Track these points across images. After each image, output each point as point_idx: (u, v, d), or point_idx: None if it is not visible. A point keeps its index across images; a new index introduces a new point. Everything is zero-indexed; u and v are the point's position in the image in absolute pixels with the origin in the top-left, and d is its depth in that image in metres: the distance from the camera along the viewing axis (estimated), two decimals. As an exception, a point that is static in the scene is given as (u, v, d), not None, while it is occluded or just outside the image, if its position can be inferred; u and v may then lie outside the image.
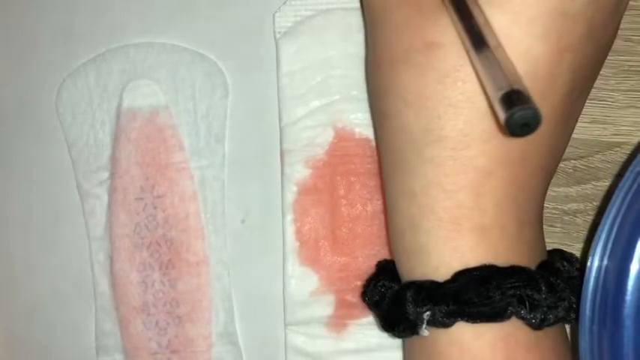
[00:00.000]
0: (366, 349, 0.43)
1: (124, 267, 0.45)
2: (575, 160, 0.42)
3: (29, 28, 0.48)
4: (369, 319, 0.43)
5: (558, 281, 0.35)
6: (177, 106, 0.45)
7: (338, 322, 0.43)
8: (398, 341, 0.43)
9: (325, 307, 0.43)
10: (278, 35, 0.44)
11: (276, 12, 0.44)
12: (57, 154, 0.47)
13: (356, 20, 0.43)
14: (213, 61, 0.45)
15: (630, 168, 0.37)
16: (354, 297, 0.43)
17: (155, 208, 0.45)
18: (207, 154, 0.45)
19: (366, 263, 0.43)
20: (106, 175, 0.46)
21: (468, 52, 0.32)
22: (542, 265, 0.36)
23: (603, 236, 0.37)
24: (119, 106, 0.45)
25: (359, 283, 0.43)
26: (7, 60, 0.48)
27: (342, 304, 0.43)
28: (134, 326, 0.45)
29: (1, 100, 0.48)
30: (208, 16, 0.46)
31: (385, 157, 0.37)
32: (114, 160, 0.45)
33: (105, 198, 0.46)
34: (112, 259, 0.45)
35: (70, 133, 0.46)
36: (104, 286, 0.46)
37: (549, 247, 0.42)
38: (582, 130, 0.42)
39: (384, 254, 0.43)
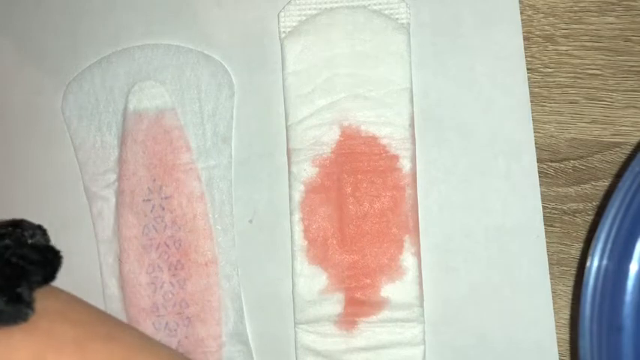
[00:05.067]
0: (376, 347, 0.43)
1: (132, 269, 0.45)
2: (574, 160, 0.42)
3: (34, 32, 0.48)
4: (379, 317, 0.43)
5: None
6: (184, 107, 0.45)
7: (348, 320, 0.43)
8: (409, 339, 0.43)
9: (335, 305, 0.43)
10: (283, 35, 0.44)
11: (280, 12, 0.45)
12: (64, 158, 0.47)
13: (361, 18, 0.43)
14: (218, 61, 0.45)
15: (629, 168, 0.37)
16: (363, 295, 0.43)
17: (163, 209, 0.45)
18: (214, 155, 0.45)
19: (374, 261, 0.43)
20: (113, 177, 0.45)
21: None
22: None
23: (602, 236, 0.37)
24: (125, 108, 0.45)
25: (368, 281, 0.43)
26: (13, 64, 0.48)
27: (351, 302, 0.43)
28: (144, 328, 0.45)
29: (8, 104, 0.48)
30: (213, 17, 0.46)
31: None
32: (121, 162, 0.45)
33: (113, 200, 0.45)
34: (120, 261, 0.45)
35: (76, 136, 0.46)
36: (113, 288, 0.46)
37: (549, 247, 0.42)
38: (582, 131, 0.42)
39: (392, 251, 0.43)
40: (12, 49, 0.48)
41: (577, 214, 0.42)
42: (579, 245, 0.42)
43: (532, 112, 0.43)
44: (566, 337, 0.42)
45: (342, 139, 0.44)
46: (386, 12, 0.44)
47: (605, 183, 0.42)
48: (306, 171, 0.44)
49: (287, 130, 0.44)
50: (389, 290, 0.43)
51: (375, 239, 0.43)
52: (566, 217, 0.42)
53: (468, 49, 0.43)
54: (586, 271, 0.37)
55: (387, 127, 0.43)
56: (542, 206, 0.42)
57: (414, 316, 0.43)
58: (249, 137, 0.45)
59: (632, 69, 0.41)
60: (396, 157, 0.43)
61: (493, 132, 0.43)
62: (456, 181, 0.43)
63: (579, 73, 0.42)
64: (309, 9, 0.44)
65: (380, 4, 0.44)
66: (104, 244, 0.46)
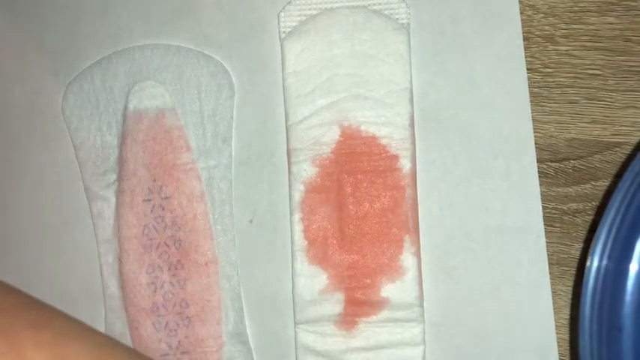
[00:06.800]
0: (376, 347, 0.43)
1: (133, 268, 0.45)
2: (574, 160, 0.42)
3: (34, 31, 0.48)
4: (379, 317, 0.43)
5: None
6: (184, 107, 0.45)
7: (348, 320, 0.43)
8: (408, 339, 0.43)
9: (335, 305, 0.43)
10: (283, 35, 0.44)
11: (280, 12, 0.45)
12: (64, 158, 0.47)
13: (361, 18, 0.43)
14: (218, 61, 0.45)
15: (629, 168, 0.37)
16: (363, 295, 0.43)
17: (163, 209, 0.45)
18: (214, 155, 0.45)
19: (374, 261, 0.43)
20: (113, 177, 0.45)
21: None
22: None
23: (602, 236, 0.37)
24: (125, 108, 0.45)
25: (368, 281, 0.43)
26: (13, 64, 0.48)
27: (351, 302, 0.43)
28: (144, 328, 0.45)
29: (8, 104, 0.48)
30: (213, 17, 0.46)
31: None
32: (121, 162, 0.45)
33: (113, 200, 0.45)
34: (120, 261, 0.45)
35: (76, 136, 0.46)
36: (113, 287, 0.46)
37: (549, 247, 0.42)
38: (582, 131, 0.42)
39: (392, 251, 0.43)
40: (12, 49, 0.48)
41: (577, 214, 0.42)
42: (579, 245, 0.42)
43: (532, 112, 0.43)
44: (566, 337, 0.42)
45: (342, 139, 0.44)
46: (386, 12, 0.44)
47: (605, 183, 0.42)
48: (306, 171, 0.44)
49: (287, 130, 0.44)
50: (389, 290, 0.43)
51: (375, 239, 0.43)
52: (566, 217, 0.42)
53: (468, 49, 0.43)
54: (586, 271, 0.37)
55: (387, 127, 0.43)
56: (542, 206, 0.43)
57: (414, 316, 0.43)
58: (249, 137, 0.45)
59: (632, 69, 0.41)
60: (396, 157, 0.43)
61: (493, 132, 0.43)
62: (456, 181, 0.43)
63: (579, 73, 0.42)
64: (309, 9, 0.44)
65: (380, 4, 0.44)
66: (104, 244, 0.46)
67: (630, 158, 0.41)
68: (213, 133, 0.45)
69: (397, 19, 0.44)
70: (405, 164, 0.43)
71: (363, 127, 0.43)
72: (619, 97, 0.42)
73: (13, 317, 0.30)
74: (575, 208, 0.42)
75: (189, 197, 0.45)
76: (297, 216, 0.44)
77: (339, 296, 0.43)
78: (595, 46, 0.42)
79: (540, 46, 0.43)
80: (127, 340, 0.45)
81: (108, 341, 0.31)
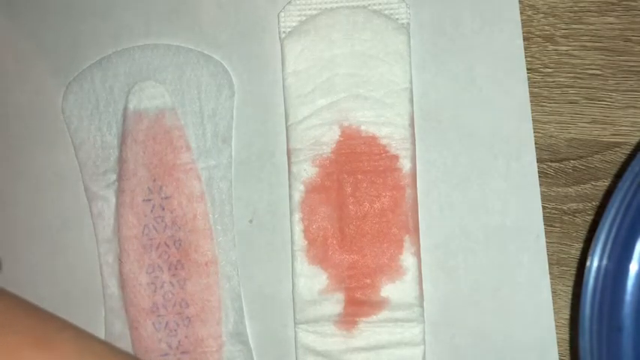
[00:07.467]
0: (376, 347, 0.43)
1: (132, 268, 0.45)
2: (574, 160, 0.42)
3: (35, 31, 0.48)
4: (379, 317, 0.43)
5: None
6: (184, 107, 0.45)
7: (348, 320, 0.43)
8: (409, 339, 0.43)
9: (335, 305, 0.43)
10: (283, 35, 0.44)
11: (280, 12, 0.45)
12: (64, 158, 0.47)
13: (361, 18, 0.43)
14: (218, 61, 0.45)
15: (629, 168, 0.37)
16: (363, 295, 0.43)
17: (163, 209, 0.45)
18: (214, 155, 0.45)
19: (374, 261, 0.43)
20: (113, 177, 0.46)
21: None
22: None
23: (602, 236, 0.37)
24: (125, 108, 0.45)
25: (368, 281, 0.43)
26: (13, 64, 0.48)
27: (351, 302, 0.43)
28: (144, 328, 0.45)
29: (8, 104, 0.48)
30: (213, 17, 0.46)
31: None
32: (121, 162, 0.45)
33: (113, 200, 0.45)
34: (120, 261, 0.45)
35: (76, 136, 0.46)
36: (113, 287, 0.46)
37: (549, 247, 0.42)
38: (581, 131, 0.42)
39: (392, 251, 0.43)
40: (12, 50, 0.48)
41: (577, 214, 0.42)
42: (579, 245, 0.42)
43: (532, 112, 0.43)
44: (566, 337, 0.42)
45: (342, 139, 0.44)
46: (386, 12, 0.44)
47: (605, 183, 0.42)
48: (306, 171, 0.44)
49: (287, 130, 0.44)
50: (389, 290, 0.43)
51: (375, 239, 0.43)
52: (566, 217, 0.42)
53: (468, 49, 0.43)
54: (586, 271, 0.37)
55: (387, 127, 0.43)
56: (542, 206, 0.43)
57: (414, 316, 0.43)
58: (249, 137, 0.46)
59: (632, 69, 0.41)
60: (396, 157, 0.43)
61: (493, 132, 0.43)
62: (456, 181, 0.43)
63: (579, 73, 0.42)
64: (309, 9, 0.44)
65: (380, 4, 0.44)
66: (104, 244, 0.46)
67: (630, 158, 0.41)
68: (213, 133, 0.45)
69: (397, 19, 0.44)
70: (405, 164, 0.43)
71: (363, 127, 0.43)
72: (619, 97, 0.42)
73: (22, 337, 0.30)
74: (575, 208, 0.42)
75: (189, 197, 0.45)
76: (297, 216, 0.44)
77: (339, 296, 0.43)
78: (595, 46, 0.42)
79: (540, 46, 0.43)
80: (127, 340, 0.45)
81: (109, 351, 0.32)
